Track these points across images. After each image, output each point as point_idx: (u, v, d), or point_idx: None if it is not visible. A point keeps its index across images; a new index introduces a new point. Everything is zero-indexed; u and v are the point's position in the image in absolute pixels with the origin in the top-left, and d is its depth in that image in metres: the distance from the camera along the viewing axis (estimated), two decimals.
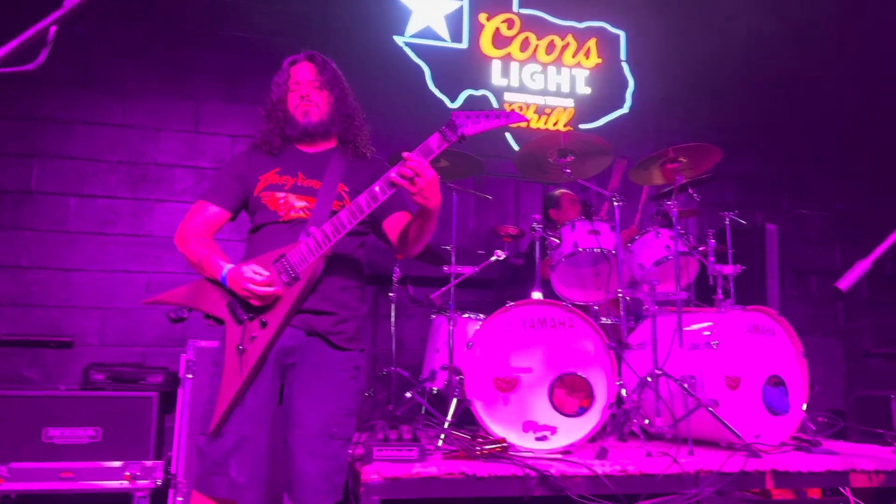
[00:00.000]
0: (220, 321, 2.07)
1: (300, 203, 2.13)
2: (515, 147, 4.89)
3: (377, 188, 1.97)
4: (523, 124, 4.87)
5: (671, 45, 5.29)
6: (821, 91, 5.65)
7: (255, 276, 1.97)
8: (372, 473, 2.44)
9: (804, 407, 3.29)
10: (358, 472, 2.52)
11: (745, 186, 5.48)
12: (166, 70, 4.58)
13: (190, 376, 3.55)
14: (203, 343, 3.59)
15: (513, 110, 2.01)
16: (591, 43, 5.24)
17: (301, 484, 1.99)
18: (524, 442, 2.96)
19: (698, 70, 5.33)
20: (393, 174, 1.92)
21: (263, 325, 2.00)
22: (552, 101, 5.13)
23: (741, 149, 5.45)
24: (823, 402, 4.86)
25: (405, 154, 1.89)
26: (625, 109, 5.27)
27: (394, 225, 2.20)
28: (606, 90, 5.26)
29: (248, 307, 2.02)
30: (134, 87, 4.52)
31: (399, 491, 2.46)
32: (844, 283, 1.33)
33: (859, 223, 5.52)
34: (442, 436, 3.00)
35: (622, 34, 5.33)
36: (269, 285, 1.98)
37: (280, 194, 2.15)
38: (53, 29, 1.13)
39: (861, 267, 1.34)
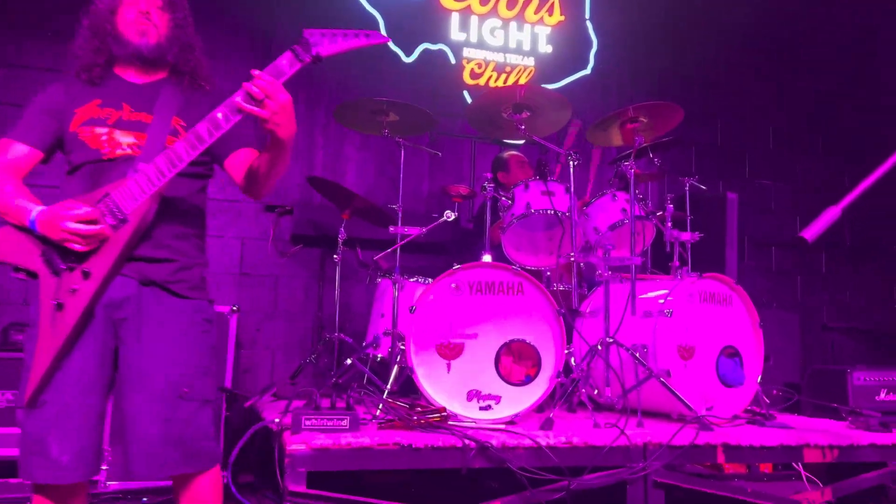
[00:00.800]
0: (33, 275, 1.75)
1: (127, 139, 1.85)
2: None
3: (220, 114, 1.73)
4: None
5: (636, 5, 5.09)
6: (786, 60, 5.53)
7: (75, 212, 1.69)
8: (299, 443, 2.25)
9: (759, 379, 3.18)
10: (284, 442, 2.33)
11: (708, 155, 5.35)
12: None
13: None
14: None
15: (375, 31, 1.79)
16: None
17: (142, 453, 1.74)
18: (468, 412, 2.80)
19: (664, 34, 5.16)
20: (239, 98, 1.70)
21: (86, 275, 1.72)
22: (512, 58, 4.90)
23: (705, 117, 5.32)
24: (779, 376, 4.80)
25: (254, 71, 1.68)
26: (587, 71, 5.07)
27: (239, 162, 1.97)
28: (569, 50, 5.05)
29: (66, 255, 1.73)
30: None
31: (328, 462, 2.28)
32: (811, 232, 1.16)
33: (821, 197, 5.45)
34: (380, 405, 2.82)
35: None
36: (94, 222, 1.71)
37: (102, 129, 1.85)
38: None
39: (829, 215, 1.17)
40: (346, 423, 2.43)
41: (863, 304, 5.64)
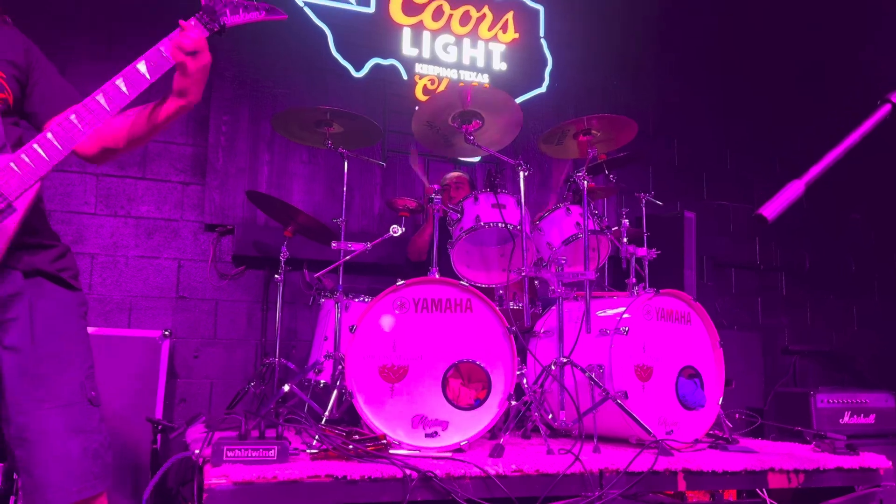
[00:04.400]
0: None
1: None
2: None
3: (142, 65, 1.53)
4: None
5: (591, 24, 5.04)
6: (743, 79, 5.52)
7: None
8: (219, 477, 2.01)
9: (720, 401, 3.03)
10: (203, 476, 2.09)
11: (665, 174, 5.28)
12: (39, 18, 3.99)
13: None
14: None
15: (276, 8, 1.66)
16: (509, 16, 4.92)
17: (63, 473, 1.50)
18: (413, 439, 2.58)
19: (620, 54, 5.12)
20: (164, 48, 1.53)
21: None
22: (466, 75, 4.78)
23: (662, 135, 5.25)
24: (741, 399, 4.67)
25: (182, 22, 1.53)
26: (543, 89, 4.98)
27: None
28: (524, 67, 4.95)
29: None
30: None
31: (252, 498, 2.03)
32: (770, 209, 1.00)
33: (780, 217, 5.40)
34: (316, 435, 2.58)
35: (541, 8, 5.03)
36: None
37: None
38: None
39: (792, 190, 1.00)
40: (272, 453, 2.20)
41: (823, 326, 5.58)
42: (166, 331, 3.46)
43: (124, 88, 1.53)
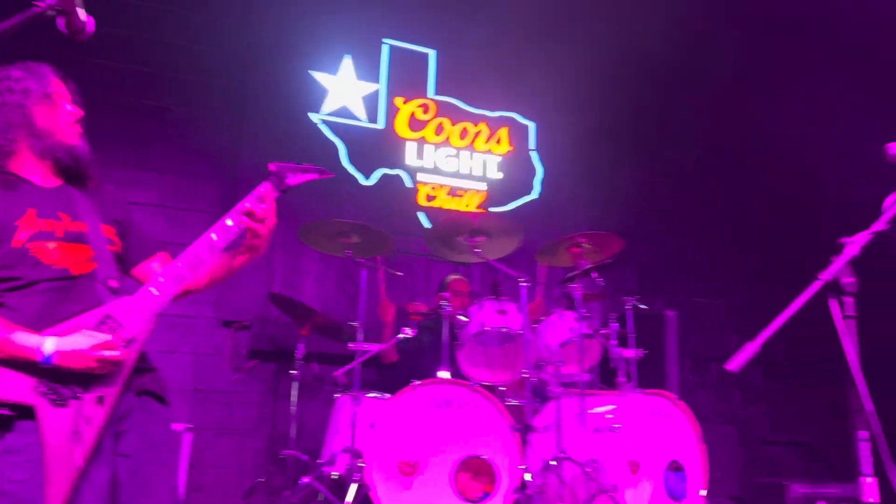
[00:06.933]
0: (22, 409, 1.62)
1: (81, 253, 1.80)
2: (427, 225, 4.92)
3: (230, 221, 1.87)
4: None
5: (576, 138, 5.54)
6: (714, 185, 6.00)
7: (97, 341, 1.66)
8: None
9: (703, 493, 3.31)
10: None
11: (647, 273, 5.68)
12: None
13: None
14: None
15: (325, 168, 2.05)
16: (503, 132, 5.43)
17: None
18: None
19: (603, 164, 5.59)
20: (244, 211, 1.87)
21: (101, 400, 1.67)
22: (465, 183, 5.23)
23: (643, 237, 5.68)
24: (722, 489, 4.94)
25: (260, 189, 1.89)
26: (534, 195, 5.44)
27: (152, 267, 1.98)
28: (516, 176, 5.42)
29: (67, 382, 1.65)
30: None
31: None
32: (734, 364, 1.37)
33: (753, 313, 5.79)
34: None
35: (531, 125, 5.55)
36: (113, 349, 1.69)
37: (52, 244, 1.77)
38: None
39: (750, 349, 1.39)
40: None
41: (798, 417, 5.88)
42: (189, 424, 3.69)
43: (215, 238, 1.88)
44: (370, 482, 2.85)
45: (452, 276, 4.47)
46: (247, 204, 1.89)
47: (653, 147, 5.77)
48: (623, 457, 3.14)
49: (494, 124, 5.43)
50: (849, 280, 1.49)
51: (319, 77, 4.96)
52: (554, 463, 3.09)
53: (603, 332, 3.64)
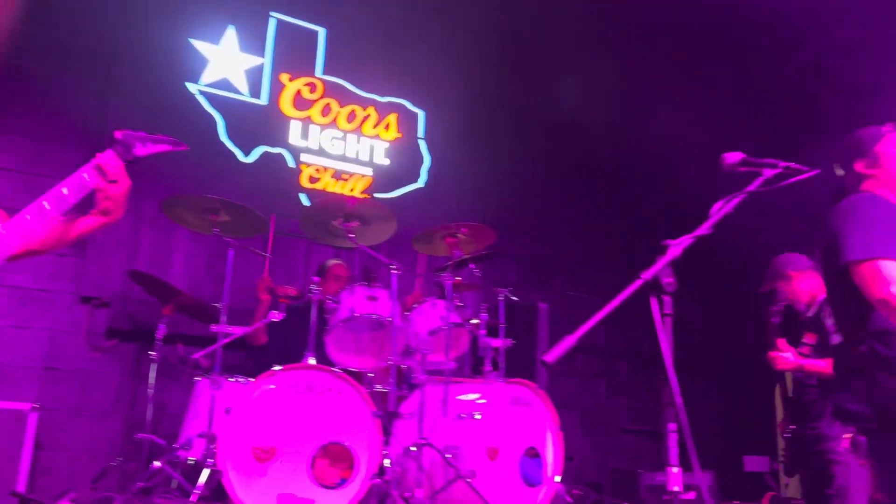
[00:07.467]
0: None
1: None
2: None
3: (65, 189, 1.78)
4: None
5: (463, 130, 5.59)
6: (590, 184, 6.21)
7: None
8: None
9: (558, 479, 3.44)
10: None
11: (525, 266, 5.83)
12: None
13: None
14: None
15: (179, 140, 2.00)
16: (392, 118, 5.40)
17: None
18: None
19: (487, 155, 5.68)
20: (86, 173, 1.79)
21: None
22: (351, 167, 5.17)
23: (523, 231, 5.82)
24: (584, 475, 5.17)
25: (100, 155, 1.82)
26: (420, 184, 5.45)
27: None
28: (404, 164, 5.41)
29: None
30: None
31: None
32: (551, 356, 1.43)
33: (626, 309, 6.06)
34: None
35: (421, 113, 5.55)
36: None
37: None
38: None
39: (567, 342, 1.46)
40: None
41: (658, 408, 6.23)
42: (36, 404, 3.47)
43: (47, 206, 1.76)
44: (222, 467, 2.77)
45: (332, 261, 4.41)
46: (84, 174, 1.79)
47: (534, 145, 5.92)
48: (483, 443, 3.21)
49: (383, 110, 5.38)
50: (669, 280, 1.58)
51: (200, 46, 4.75)
52: (414, 449, 3.12)
53: (473, 321, 3.70)
